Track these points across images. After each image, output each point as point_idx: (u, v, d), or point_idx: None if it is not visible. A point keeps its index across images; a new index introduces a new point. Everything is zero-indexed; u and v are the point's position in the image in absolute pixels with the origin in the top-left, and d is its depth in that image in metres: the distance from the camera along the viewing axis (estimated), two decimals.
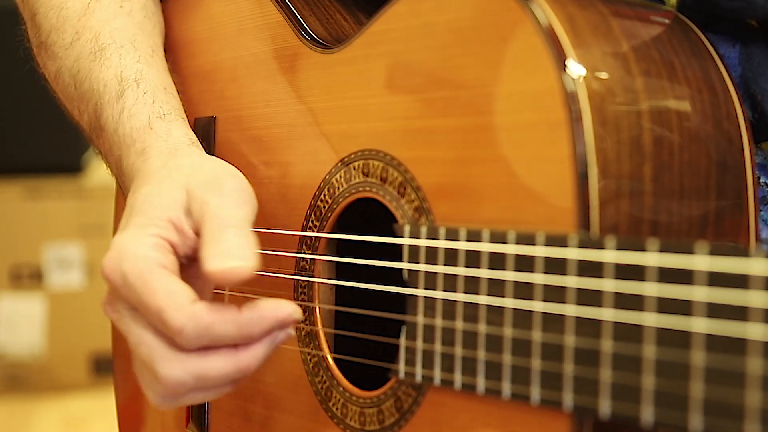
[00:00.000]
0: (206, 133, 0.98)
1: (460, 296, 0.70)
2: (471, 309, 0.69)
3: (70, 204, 3.40)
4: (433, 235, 0.73)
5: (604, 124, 0.65)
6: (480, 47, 0.71)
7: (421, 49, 0.76)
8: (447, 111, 0.74)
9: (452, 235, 0.71)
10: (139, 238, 0.74)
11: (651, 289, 0.60)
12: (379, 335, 0.79)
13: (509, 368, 0.67)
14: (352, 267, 0.84)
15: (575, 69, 0.66)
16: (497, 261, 0.68)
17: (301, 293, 0.88)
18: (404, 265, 0.75)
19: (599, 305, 0.62)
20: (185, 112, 0.94)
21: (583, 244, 0.63)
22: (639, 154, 0.67)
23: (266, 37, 0.93)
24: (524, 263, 0.66)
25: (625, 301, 0.61)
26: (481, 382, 0.69)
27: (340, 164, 0.83)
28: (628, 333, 0.61)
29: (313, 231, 0.86)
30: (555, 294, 0.64)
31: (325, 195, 0.85)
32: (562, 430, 0.65)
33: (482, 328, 0.69)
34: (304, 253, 0.87)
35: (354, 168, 0.82)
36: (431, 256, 0.73)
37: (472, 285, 0.69)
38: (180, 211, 0.75)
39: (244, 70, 0.95)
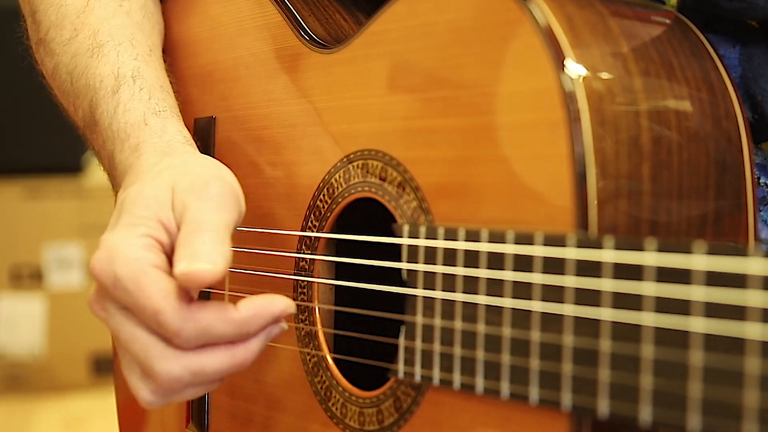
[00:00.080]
0: (206, 134, 0.98)
1: (458, 296, 0.70)
2: (470, 309, 0.70)
3: (70, 204, 3.40)
4: (431, 235, 0.73)
5: (603, 123, 0.65)
6: (479, 47, 0.72)
7: (421, 49, 0.76)
8: (446, 111, 0.74)
9: (451, 235, 0.71)
10: (129, 238, 0.73)
11: (649, 288, 0.60)
12: (378, 335, 0.79)
13: (508, 368, 0.67)
14: (352, 267, 0.84)
15: (574, 69, 0.66)
16: (496, 261, 0.68)
17: (300, 293, 0.88)
18: (403, 265, 0.75)
19: (598, 305, 0.62)
20: (185, 112, 0.94)
21: (582, 244, 0.63)
22: (638, 153, 0.67)
23: (266, 38, 0.93)
24: (523, 263, 0.66)
25: (623, 301, 0.61)
26: (480, 382, 0.69)
27: (339, 164, 0.84)
28: (627, 333, 0.61)
29: (313, 231, 0.86)
30: (553, 294, 0.64)
31: (324, 195, 0.85)
32: (561, 429, 0.65)
33: (481, 328, 0.69)
34: (304, 253, 0.87)
35: (353, 168, 0.82)
36: (430, 256, 0.73)
37: (470, 285, 0.69)
38: (169, 212, 0.75)
39: (243, 71, 0.95)
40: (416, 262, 0.74)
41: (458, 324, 0.70)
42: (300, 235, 0.88)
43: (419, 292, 0.74)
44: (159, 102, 0.88)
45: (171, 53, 1.04)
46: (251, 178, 0.92)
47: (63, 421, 3.15)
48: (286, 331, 0.76)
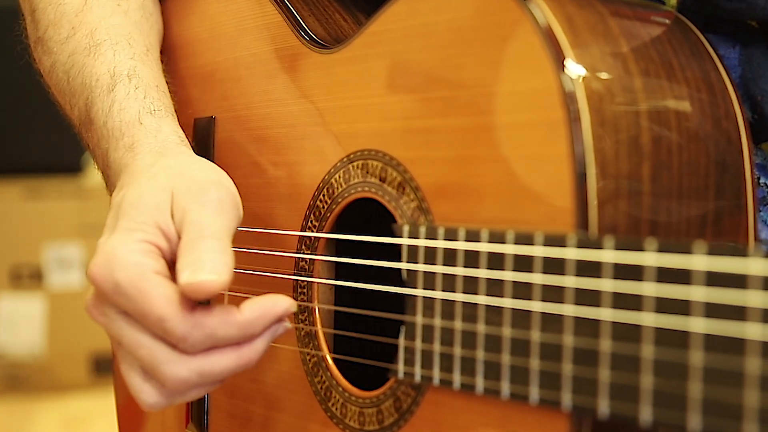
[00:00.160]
0: (206, 134, 0.98)
1: (458, 296, 0.70)
2: (470, 309, 0.70)
3: (70, 204, 3.40)
4: (431, 235, 0.73)
5: (603, 123, 0.65)
6: (479, 47, 0.72)
7: (420, 49, 0.76)
8: (446, 111, 0.74)
9: (451, 235, 0.71)
10: (127, 243, 0.73)
11: (649, 288, 0.60)
12: (378, 335, 0.79)
13: (508, 368, 0.67)
14: (351, 267, 0.84)
15: (574, 69, 0.66)
16: (496, 261, 0.68)
17: (300, 293, 0.88)
18: (403, 265, 0.75)
19: (598, 305, 0.62)
20: (184, 112, 0.94)
21: (582, 244, 0.63)
22: (637, 153, 0.67)
23: (266, 38, 0.93)
24: (523, 263, 0.66)
25: (623, 301, 0.61)
26: (480, 382, 0.69)
27: (339, 164, 0.83)
28: (627, 333, 0.61)
29: (313, 231, 0.86)
30: (553, 294, 0.64)
31: (324, 195, 0.85)
32: (561, 429, 0.65)
33: (481, 328, 0.69)
34: (304, 253, 0.87)
35: (353, 168, 0.82)
36: (430, 256, 0.73)
37: (470, 285, 0.69)
38: (168, 217, 0.75)
39: (243, 71, 0.95)
40: (416, 262, 0.74)
41: (458, 324, 0.70)
42: (300, 235, 0.88)
43: (419, 292, 0.74)
44: (154, 101, 0.88)
45: (170, 53, 1.04)
46: (251, 179, 0.92)
47: (63, 421, 3.15)
48: (286, 330, 0.77)
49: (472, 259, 0.69)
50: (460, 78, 0.73)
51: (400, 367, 0.75)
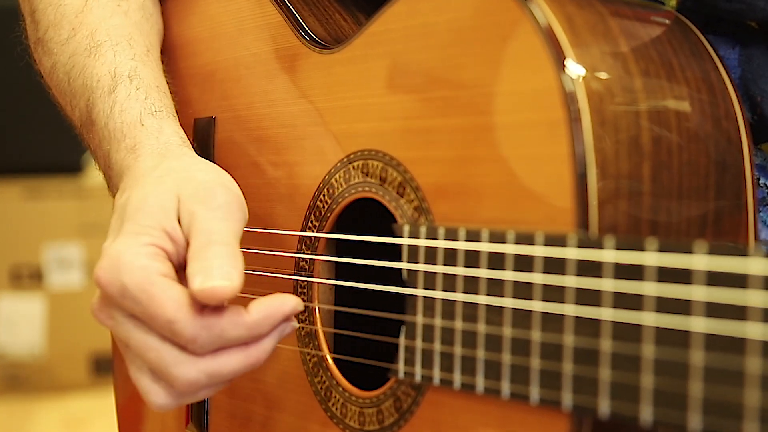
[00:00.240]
0: (206, 134, 0.98)
1: (459, 296, 0.70)
2: (470, 309, 0.70)
3: (70, 204, 3.40)
4: (432, 235, 0.73)
5: (603, 123, 0.65)
6: (479, 47, 0.72)
7: (421, 49, 0.76)
8: (446, 111, 0.74)
9: (451, 235, 0.71)
10: (133, 247, 0.73)
11: (650, 288, 0.60)
12: (378, 335, 0.79)
13: (508, 368, 0.67)
14: (352, 267, 0.84)
15: (574, 69, 0.66)
16: (496, 261, 0.68)
17: (300, 293, 0.88)
18: (403, 265, 0.75)
19: (598, 305, 0.62)
20: (184, 112, 0.94)
21: (582, 244, 0.63)
22: (638, 153, 0.67)
23: (266, 38, 0.93)
24: (523, 263, 0.66)
25: (624, 301, 0.61)
26: (480, 382, 0.69)
27: (339, 164, 0.84)
28: (627, 332, 0.61)
29: (313, 231, 0.86)
30: (554, 294, 0.64)
31: (324, 195, 0.85)
32: (562, 429, 0.65)
33: (481, 327, 0.69)
34: (304, 253, 0.87)
35: (353, 168, 0.82)
36: (430, 255, 0.73)
37: (471, 285, 0.69)
38: (174, 220, 0.75)
39: (244, 71, 0.95)
40: (416, 262, 0.74)
41: (459, 324, 0.70)
42: (300, 235, 0.88)
43: (419, 292, 0.74)
44: (155, 102, 0.88)
45: (170, 53, 1.04)
46: (251, 179, 0.92)
47: (63, 421, 3.15)
48: (294, 329, 0.77)
49: (472, 259, 0.69)
50: (460, 78, 0.73)
51: (401, 367, 0.75)
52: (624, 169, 0.66)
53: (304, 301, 0.87)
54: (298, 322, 0.87)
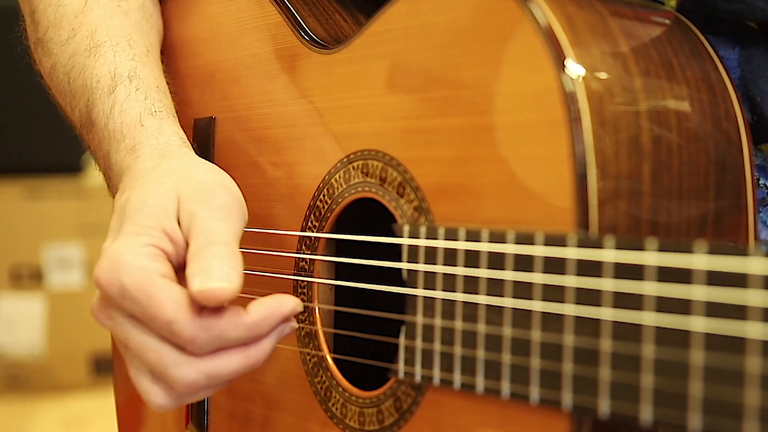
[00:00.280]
0: (206, 134, 0.98)
1: (459, 296, 0.70)
2: (470, 309, 0.70)
3: (70, 204, 3.40)
4: (432, 235, 0.73)
5: (603, 123, 0.65)
6: (479, 47, 0.72)
7: (420, 49, 0.76)
8: (446, 111, 0.74)
9: (451, 235, 0.71)
10: (133, 247, 0.73)
11: (650, 288, 0.60)
12: (378, 335, 0.79)
13: (508, 368, 0.67)
14: (352, 267, 0.84)
15: (574, 69, 0.66)
16: (496, 261, 0.68)
17: (300, 293, 0.88)
18: (403, 265, 0.75)
19: (598, 305, 0.62)
20: (184, 113, 0.94)
21: (582, 244, 0.63)
22: (638, 153, 0.67)
23: (266, 38, 0.93)
24: (523, 263, 0.66)
25: (624, 301, 0.61)
26: (480, 382, 0.69)
27: (339, 164, 0.84)
28: (627, 332, 0.61)
29: (313, 231, 0.86)
30: (554, 293, 0.64)
31: (324, 195, 0.85)
32: (562, 429, 0.65)
33: (481, 327, 0.69)
34: (304, 253, 0.87)
35: (353, 168, 0.82)
36: (430, 255, 0.73)
37: (471, 285, 0.69)
38: (173, 221, 0.75)
39: (244, 71, 0.95)
40: (416, 262, 0.74)
41: (459, 324, 0.70)
42: (300, 235, 0.88)
43: (420, 292, 0.74)
44: (155, 102, 0.88)
45: (170, 53, 1.04)
46: (251, 179, 0.92)
47: (63, 421, 3.15)
48: (293, 330, 0.77)
49: (472, 258, 0.69)
50: (460, 78, 0.73)
51: (401, 367, 0.75)
52: (624, 169, 0.66)
53: (303, 301, 0.87)
54: (298, 322, 0.87)
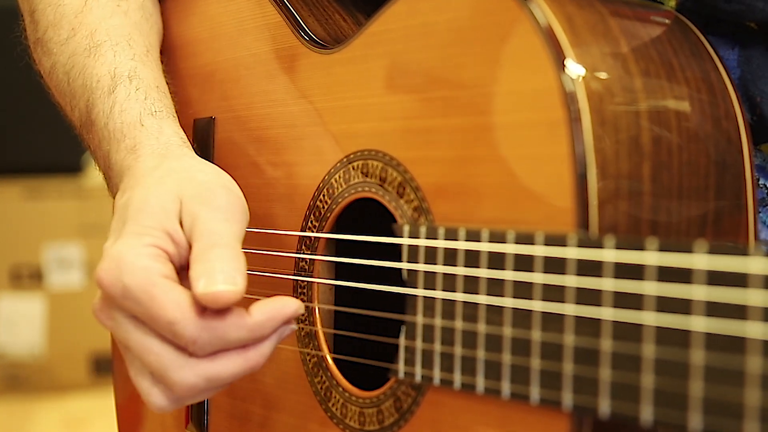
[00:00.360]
0: (205, 134, 0.98)
1: (459, 296, 0.70)
2: (470, 309, 0.70)
3: (70, 204, 3.40)
4: (432, 235, 0.73)
5: (603, 123, 0.65)
6: (479, 47, 0.72)
7: (420, 49, 0.76)
8: (446, 111, 0.74)
9: (451, 235, 0.71)
10: (135, 247, 0.73)
11: (650, 288, 0.60)
12: (378, 335, 0.79)
13: (509, 368, 0.67)
14: (351, 267, 0.84)
15: (574, 69, 0.66)
16: (496, 261, 0.68)
17: (300, 293, 0.88)
18: (403, 265, 0.75)
19: (598, 304, 0.62)
20: (184, 113, 0.94)
21: (583, 244, 0.63)
22: (638, 153, 0.67)
23: (266, 38, 0.93)
24: (523, 263, 0.66)
25: (624, 300, 0.61)
26: (480, 382, 0.69)
27: (339, 164, 0.83)
28: (628, 332, 0.61)
29: (313, 231, 0.86)
30: (554, 293, 0.64)
31: (324, 195, 0.85)
32: (562, 429, 0.65)
33: (482, 327, 0.69)
34: (303, 253, 0.87)
35: (353, 168, 0.82)
36: (430, 255, 0.73)
37: (471, 285, 0.69)
38: (175, 222, 0.75)
39: (243, 71, 0.95)
40: (416, 262, 0.74)
41: (459, 324, 0.70)
42: (300, 236, 0.88)
43: (420, 292, 0.74)
44: (155, 102, 0.88)
45: (170, 53, 1.04)
46: (251, 179, 0.92)
47: (63, 421, 3.15)
48: (292, 332, 0.77)
49: (472, 258, 0.69)
50: (460, 78, 0.73)
51: (401, 367, 0.75)
52: (624, 169, 0.66)
53: (303, 301, 0.87)
54: (298, 323, 0.87)
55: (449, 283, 0.71)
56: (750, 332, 0.55)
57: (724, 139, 0.73)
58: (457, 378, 0.71)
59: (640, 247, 0.60)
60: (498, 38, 0.70)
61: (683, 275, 0.58)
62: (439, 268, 0.72)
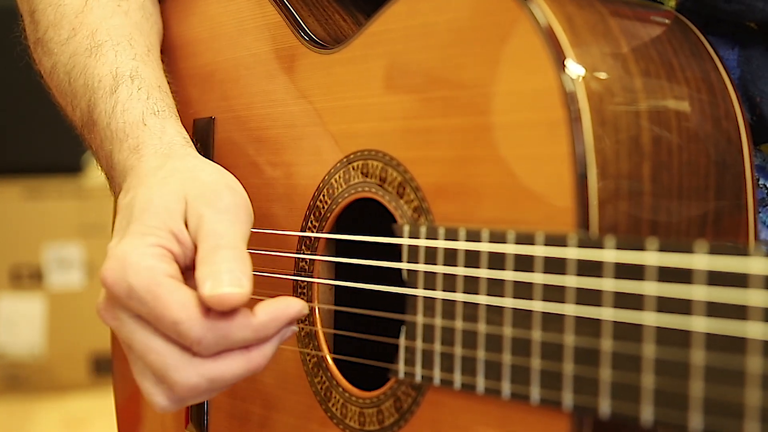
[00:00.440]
0: (205, 134, 0.98)
1: (459, 296, 0.70)
2: (470, 309, 0.69)
3: (70, 204, 3.40)
4: (432, 235, 0.73)
5: (603, 123, 0.65)
6: (479, 47, 0.71)
7: (420, 49, 0.76)
8: (446, 111, 0.74)
9: (451, 235, 0.71)
10: (139, 247, 0.73)
11: (650, 288, 0.60)
12: (378, 335, 0.79)
13: (509, 368, 0.67)
14: (351, 267, 0.84)
15: (574, 69, 0.66)
16: (497, 261, 0.68)
17: (300, 293, 0.88)
18: (403, 265, 0.75)
19: (599, 305, 0.62)
20: (184, 112, 0.94)
21: (583, 244, 0.63)
22: (638, 153, 0.67)
23: (266, 38, 0.93)
24: (524, 263, 0.66)
25: (624, 301, 0.61)
26: (480, 382, 0.69)
27: (339, 165, 0.83)
28: (628, 332, 0.61)
29: (313, 231, 0.86)
30: (554, 293, 0.64)
31: (324, 195, 0.85)
32: (562, 429, 0.65)
33: (482, 327, 0.69)
34: (304, 253, 0.87)
35: (353, 168, 0.82)
36: (430, 256, 0.73)
37: (471, 285, 0.69)
38: (180, 222, 0.75)
39: (243, 71, 0.95)
40: (417, 262, 0.74)
41: (459, 324, 0.70)
42: (300, 236, 0.88)
43: (420, 292, 0.73)
44: (157, 102, 0.88)
45: (170, 53, 1.04)
46: (251, 179, 0.92)
47: (63, 421, 3.15)
48: (294, 333, 0.77)
49: (472, 259, 0.69)
50: (460, 78, 0.73)
51: (401, 367, 0.75)
52: (624, 169, 0.66)
53: (303, 301, 0.87)
54: (298, 323, 0.87)
55: (449, 283, 0.71)
56: (750, 332, 0.55)
57: (724, 139, 0.73)
58: (458, 378, 0.71)
59: (641, 248, 0.60)
60: (498, 38, 0.70)
61: (683, 275, 0.58)
62: (439, 268, 0.72)
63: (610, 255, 0.62)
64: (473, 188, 0.71)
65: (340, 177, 0.83)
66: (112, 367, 1.14)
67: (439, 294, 0.72)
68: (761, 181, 0.82)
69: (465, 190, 0.72)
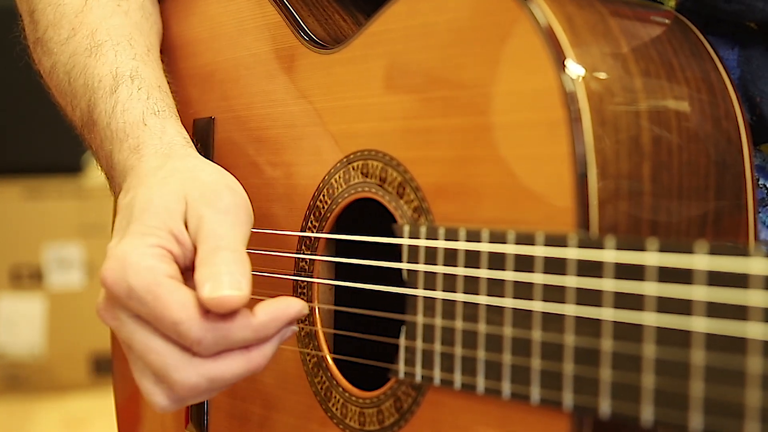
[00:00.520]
0: (205, 134, 0.98)
1: (459, 296, 0.70)
2: (470, 309, 0.69)
3: (70, 204, 3.40)
4: (432, 235, 0.73)
5: (603, 123, 0.65)
6: (479, 47, 0.71)
7: (420, 49, 0.76)
8: (446, 111, 0.74)
9: (451, 235, 0.71)
10: (139, 247, 0.73)
11: (651, 288, 0.60)
12: (378, 335, 0.79)
13: (509, 368, 0.67)
14: (351, 267, 0.84)
15: (574, 69, 0.66)
16: (497, 261, 0.68)
17: (300, 293, 0.88)
18: (403, 265, 0.75)
19: (599, 305, 0.62)
20: (184, 112, 0.94)
21: (583, 244, 0.63)
22: (638, 153, 0.67)
23: (266, 38, 0.93)
24: (524, 263, 0.66)
25: (624, 301, 0.61)
26: (480, 382, 0.69)
27: (339, 165, 0.83)
28: (628, 332, 0.61)
29: (313, 231, 0.86)
30: (554, 294, 0.64)
31: (324, 195, 0.85)
32: (562, 429, 0.65)
33: (482, 327, 0.69)
34: (303, 253, 0.87)
35: (353, 168, 0.82)
36: (430, 256, 0.73)
37: (471, 285, 0.69)
38: (180, 222, 0.75)
39: (243, 71, 0.95)
40: (417, 263, 0.74)
41: (459, 324, 0.70)
42: (300, 236, 0.88)
43: (420, 292, 0.73)
44: (157, 102, 0.88)
45: (170, 53, 1.04)
46: (251, 179, 0.92)
47: (63, 421, 3.15)
48: (294, 333, 0.77)
49: (472, 259, 0.69)
50: (460, 78, 0.73)
51: (401, 367, 0.75)
52: (624, 169, 0.66)
53: (303, 301, 0.87)
54: (298, 323, 0.87)
55: (449, 283, 0.71)
56: (750, 333, 0.55)
57: (724, 139, 0.73)
58: (458, 378, 0.71)
59: (641, 248, 0.60)
60: (498, 38, 0.70)
61: (684, 276, 0.58)
62: (440, 269, 0.72)
63: (610, 255, 0.62)
64: (473, 188, 0.71)
65: (340, 177, 0.83)
66: (112, 367, 1.14)
67: (439, 294, 0.72)
68: (761, 181, 0.82)
69: (465, 190, 0.72)
